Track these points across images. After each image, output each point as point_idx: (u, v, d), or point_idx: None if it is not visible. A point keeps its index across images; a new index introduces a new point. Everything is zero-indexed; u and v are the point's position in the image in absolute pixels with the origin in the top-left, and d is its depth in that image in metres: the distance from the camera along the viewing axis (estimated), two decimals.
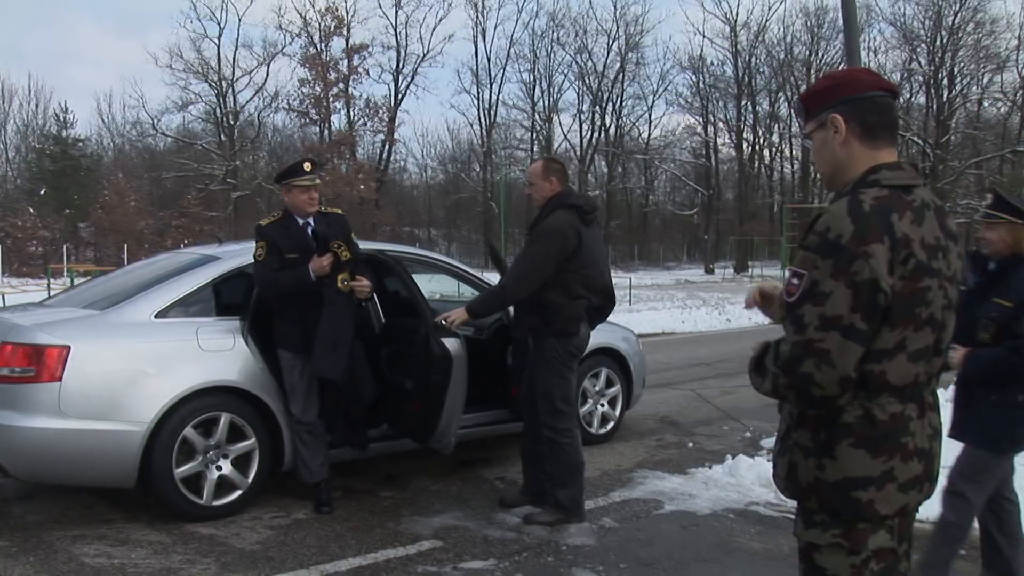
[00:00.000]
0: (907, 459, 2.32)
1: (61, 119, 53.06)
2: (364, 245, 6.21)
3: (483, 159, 59.59)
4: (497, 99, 58.73)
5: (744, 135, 60.63)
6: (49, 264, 38.76)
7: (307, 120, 55.62)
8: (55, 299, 6.85)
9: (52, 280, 26.14)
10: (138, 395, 5.28)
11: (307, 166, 5.79)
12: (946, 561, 4.24)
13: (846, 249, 2.19)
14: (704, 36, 68.37)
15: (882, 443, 2.31)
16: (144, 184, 53.00)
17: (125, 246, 41.27)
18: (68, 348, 5.15)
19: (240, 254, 6.09)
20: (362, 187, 51.63)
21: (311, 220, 5.77)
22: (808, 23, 57.11)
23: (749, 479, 6.51)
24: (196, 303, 5.72)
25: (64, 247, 46.07)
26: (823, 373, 2.20)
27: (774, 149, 62.38)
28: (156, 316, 5.54)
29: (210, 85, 52.72)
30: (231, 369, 5.59)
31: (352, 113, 55.14)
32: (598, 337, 6.78)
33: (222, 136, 53.84)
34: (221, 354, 5.58)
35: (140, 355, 5.39)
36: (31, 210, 46.66)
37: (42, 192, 49.63)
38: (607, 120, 59.92)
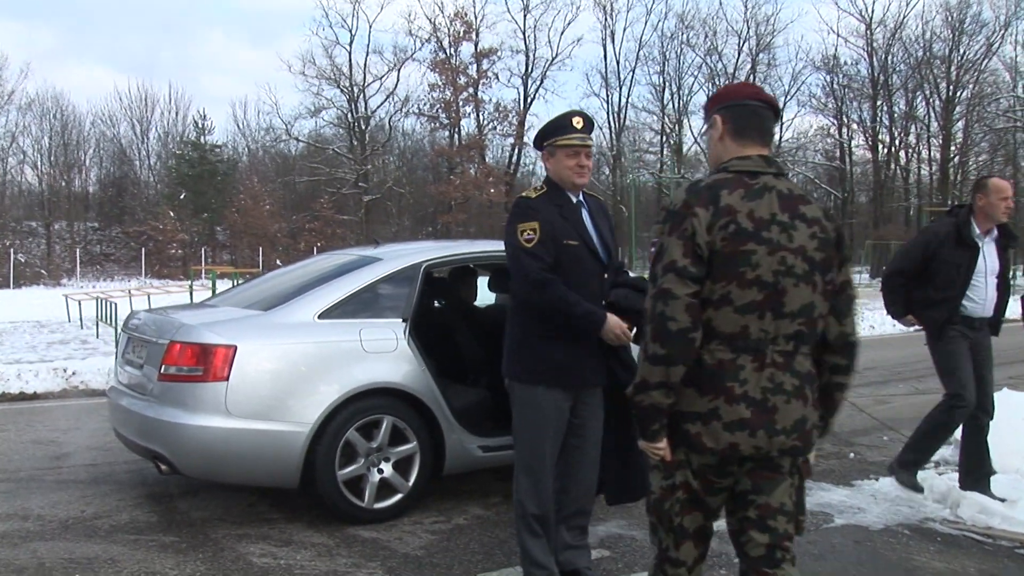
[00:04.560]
0: (732, 402, 2.76)
1: (200, 126, 54.95)
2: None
3: (612, 162, 59.19)
4: (626, 102, 58.36)
5: (879, 136, 58.72)
6: (191, 266, 40.09)
7: (437, 124, 56.23)
8: (216, 299, 6.93)
9: (194, 281, 26.90)
10: (302, 396, 5.26)
11: (576, 121, 4.37)
12: None
13: (679, 212, 2.80)
14: (838, 35, 66.47)
15: (707, 384, 2.78)
16: (277, 188, 54.35)
17: (260, 248, 42.33)
18: (235, 348, 5.17)
19: (401, 255, 6.03)
20: (492, 191, 51.94)
21: (583, 198, 4.48)
22: (948, 18, 54.92)
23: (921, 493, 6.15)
24: (359, 304, 5.66)
25: (202, 250, 47.55)
26: (670, 306, 2.72)
27: (911, 150, 60.19)
28: (320, 317, 5.50)
29: (341, 91, 53.79)
30: (394, 371, 5.51)
31: (481, 117, 55.53)
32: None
33: (353, 141, 54.80)
34: (384, 355, 5.50)
35: (304, 355, 5.37)
36: (171, 214, 48.40)
37: (181, 197, 51.38)
38: None
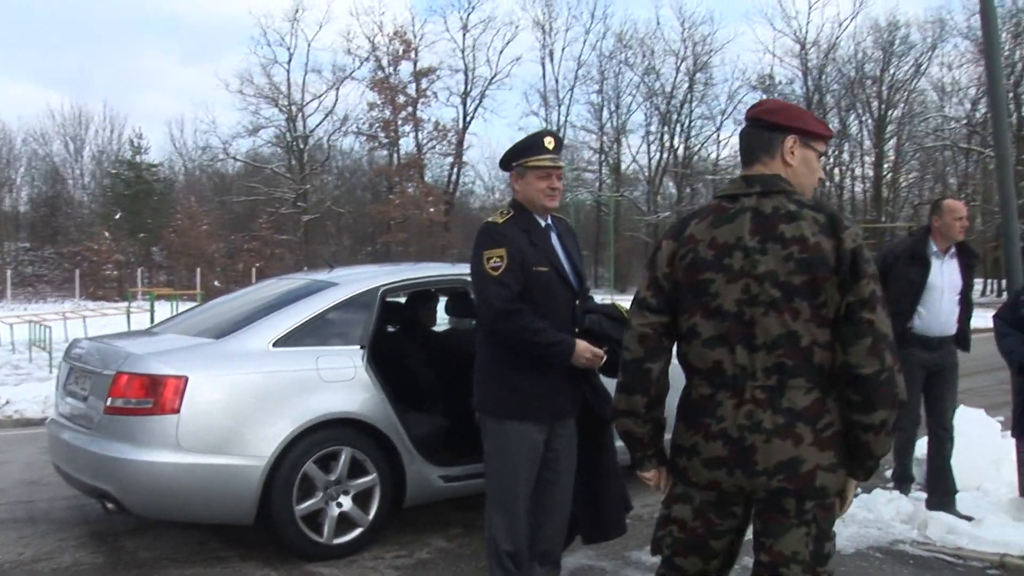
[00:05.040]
0: (709, 439, 2.69)
1: (135, 144, 53.96)
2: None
3: None
4: (565, 121, 58.45)
5: None
6: (127, 287, 39.29)
7: (376, 144, 55.95)
8: (162, 326, 6.67)
9: (131, 303, 26.30)
10: (258, 428, 5.03)
11: (548, 141, 4.22)
12: None
13: (655, 246, 2.87)
14: (773, 55, 67.14)
15: (691, 419, 2.75)
16: (215, 208, 53.58)
17: (198, 270, 41.68)
18: (186, 379, 4.93)
19: (358, 280, 5.85)
20: (431, 210, 51.76)
21: (551, 221, 4.36)
22: (879, 39, 56.06)
23: (889, 515, 6.06)
24: (315, 331, 5.44)
25: (138, 271, 46.69)
26: (627, 336, 2.82)
27: (844, 168, 61.24)
28: (275, 344, 5.28)
29: (280, 110, 53.30)
30: (353, 400, 5.31)
31: (420, 136, 55.34)
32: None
33: (292, 160, 54.30)
34: (342, 384, 5.30)
35: (259, 386, 5.14)
36: (106, 234, 47.43)
37: (117, 216, 50.39)
38: (675, 141, 59.33)
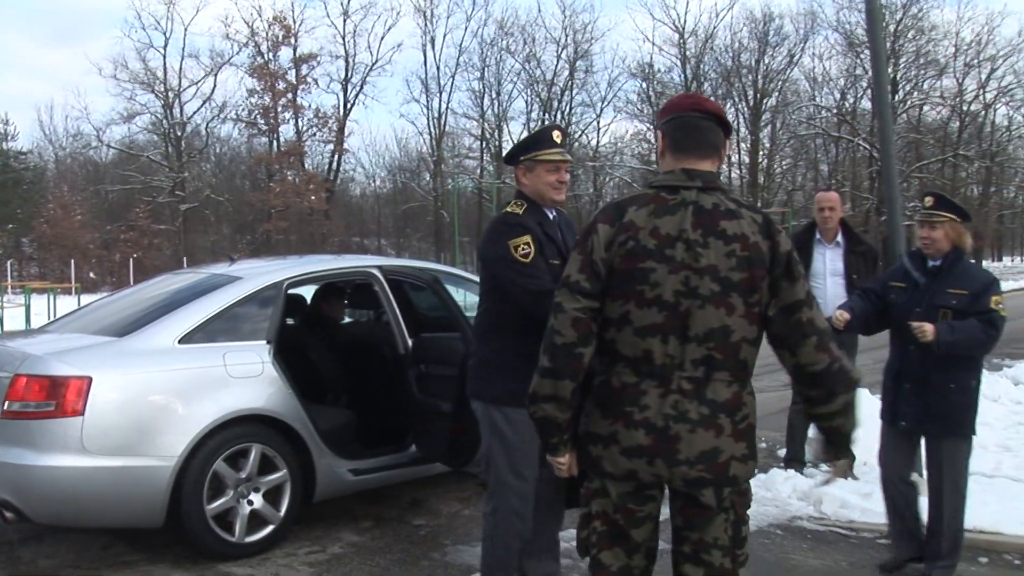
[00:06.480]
0: (630, 427, 2.69)
1: (1, 131, 51.78)
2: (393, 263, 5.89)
3: (433, 168, 59.09)
4: (446, 108, 58.20)
5: None
6: None
7: (255, 131, 54.77)
8: (56, 324, 6.45)
9: (2, 297, 25.24)
10: (166, 427, 4.93)
11: (556, 135, 4.27)
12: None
13: (586, 230, 2.81)
14: (653, 43, 68.28)
15: (610, 406, 2.73)
16: (89, 197, 51.82)
17: (72, 261, 40.26)
18: (89, 379, 4.78)
19: (262, 273, 5.77)
20: (312, 198, 51.05)
21: (555, 214, 4.34)
22: (754, 30, 57.47)
23: (786, 492, 6.34)
24: (221, 326, 5.35)
25: (8, 263, 44.87)
26: (558, 320, 2.73)
27: None
28: (180, 341, 5.17)
29: (156, 96, 51.62)
30: (261, 396, 5.25)
31: (301, 123, 54.38)
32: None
33: (169, 148, 52.74)
34: (250, 380, 5.23)
35: (166, 384, 5.03)
36: None
37: None
38: None
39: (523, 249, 4.05)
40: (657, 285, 2.68)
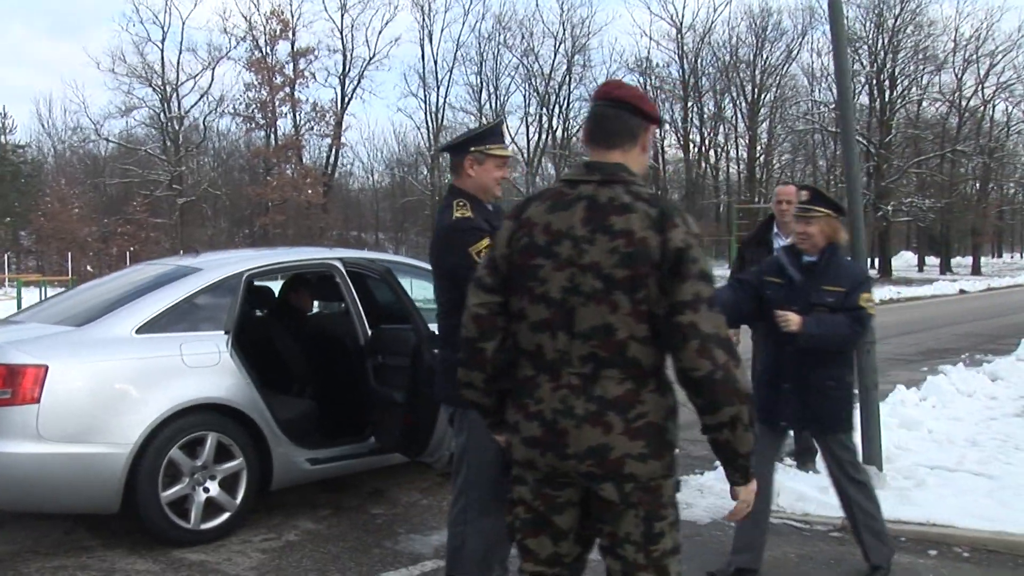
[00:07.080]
0: (527, 419, 2.72)
1: (0, 124, 51.86)
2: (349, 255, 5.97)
3: (430, 162, 59.13)
4: (444, 102, 58.31)
5: (690, 136, 60.89)
6: None
7: (253, 125, 54.74)
8: (23, 315, 6.55)
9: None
10: (121, 415, 5.03)
11: (505, 130, 4.29)
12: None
13: (500, 226, 2.89)
14: (651, 38, 68.41)
15: (515, 397, 2.79)
16: (87, 191, 51.88)
17: (69, 254, 40.36)
18: (46, 367, 4.89)
19: (222, 265, 5.86)
20: (309, 192, 51.01)
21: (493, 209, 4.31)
22: (752, 25, 57.49)
23: None
24: (179, 317, 5.45)
25: (5, 256, 44.98)
26: (464, 315, 2.83)
27: (720, 150, 62.72)
28: (137, 331, 5.27)
29: (154, 90, 51.59)
30: (217, 385, 5.34)
31: (298, 117, 54.35)
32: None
33: (166, 141, 52.74)
34: (206, 369, 5.33)
35: (122, 373, 5.14)
36: None
37: None
38: (554, 123, 59.79)
39: (476, 249, 3.98)
40: (545, 282, 2.68)
